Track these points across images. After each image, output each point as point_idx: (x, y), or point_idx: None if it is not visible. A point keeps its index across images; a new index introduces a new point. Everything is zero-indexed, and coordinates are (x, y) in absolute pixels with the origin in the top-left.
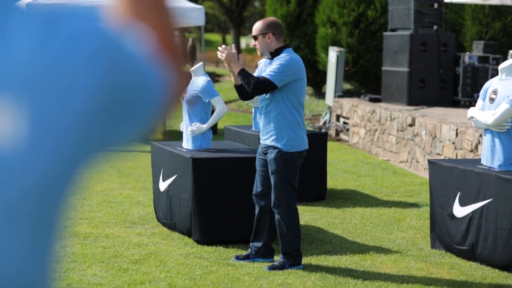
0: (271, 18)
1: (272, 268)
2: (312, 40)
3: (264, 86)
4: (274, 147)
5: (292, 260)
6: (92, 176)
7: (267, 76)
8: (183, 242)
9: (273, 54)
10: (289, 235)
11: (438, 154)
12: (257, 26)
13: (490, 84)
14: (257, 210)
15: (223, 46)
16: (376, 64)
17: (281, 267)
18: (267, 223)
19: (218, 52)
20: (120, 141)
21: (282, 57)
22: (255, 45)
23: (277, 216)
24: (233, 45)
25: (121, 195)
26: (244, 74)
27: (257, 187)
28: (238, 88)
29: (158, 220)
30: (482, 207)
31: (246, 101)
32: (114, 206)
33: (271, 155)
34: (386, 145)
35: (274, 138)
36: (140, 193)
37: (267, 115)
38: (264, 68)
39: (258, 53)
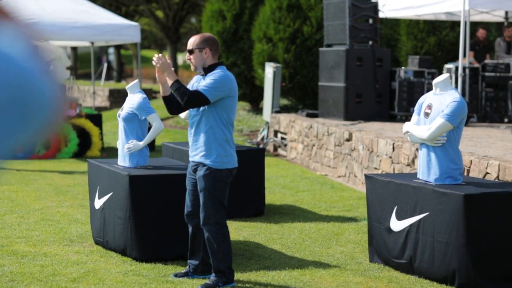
0: (208, 34)
1: (206, 287)
2: (249, 56)
3: (197, 99)
4: (203, 164)
5: (225, 278)
6: (30, 194)
7: (201, 90)
8: (121, 260)
9: (207, 70)
10: (220, 253)
11: (376, 168)
12: (194, 40)
13: (425, 99)
14: (190, 229)
15: (160, 54)
16: (313, 79)
17: (214, 285)
18: (202, 241)
19: (153, 60)
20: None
21: (216, 73)
22: (189, 59)
23: (206, 234)
24: (167, 55)
25: (59, 213)
26: (178, 85)
27: (187, 207)
28: (166, 100)
29: (93, 237)
30: (419, 220)
31: (181, 115)
32: (52, 224)
33: (200, 172)
34: (324, 160)
35: (203, 154)
36: (78, 211)
37: (197, 131)
38: (196, 84)
39: (192, 68)
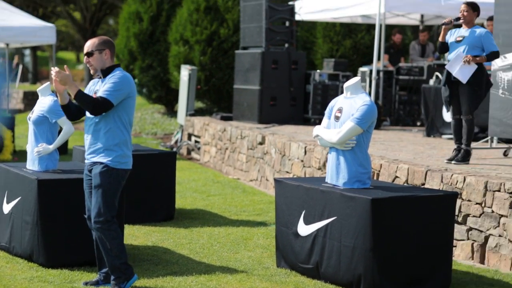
0: (104, 36)
1: None
2: (165, 58)
3: (103, 105)
4: (101, 163)
5: (124, 276)
6: None
7: (104, 95)
8: (27, 266)
9: (105, 72)
10: (114, 250)
11: (287, 172)
12: (93, 42)
13: (336, 102)
14: (94, 234)
15: (56, 68)
16: (228, 82)
17: None
18: None
19: (51, 73)
20: None
21: (116, 75)
22: (88, 62)
23: (97, 233)
24: (65, 66)
25: None
26: (81, 95)
27: (89, 210)
28: (65, 108)
29: None
30: (327, 225)
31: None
32: None
33: (97, 169)
34: (236, 163)
35: (102, 155)
36: None
37: (96, 133)
38: (93, 87)
39: (92, 71)
